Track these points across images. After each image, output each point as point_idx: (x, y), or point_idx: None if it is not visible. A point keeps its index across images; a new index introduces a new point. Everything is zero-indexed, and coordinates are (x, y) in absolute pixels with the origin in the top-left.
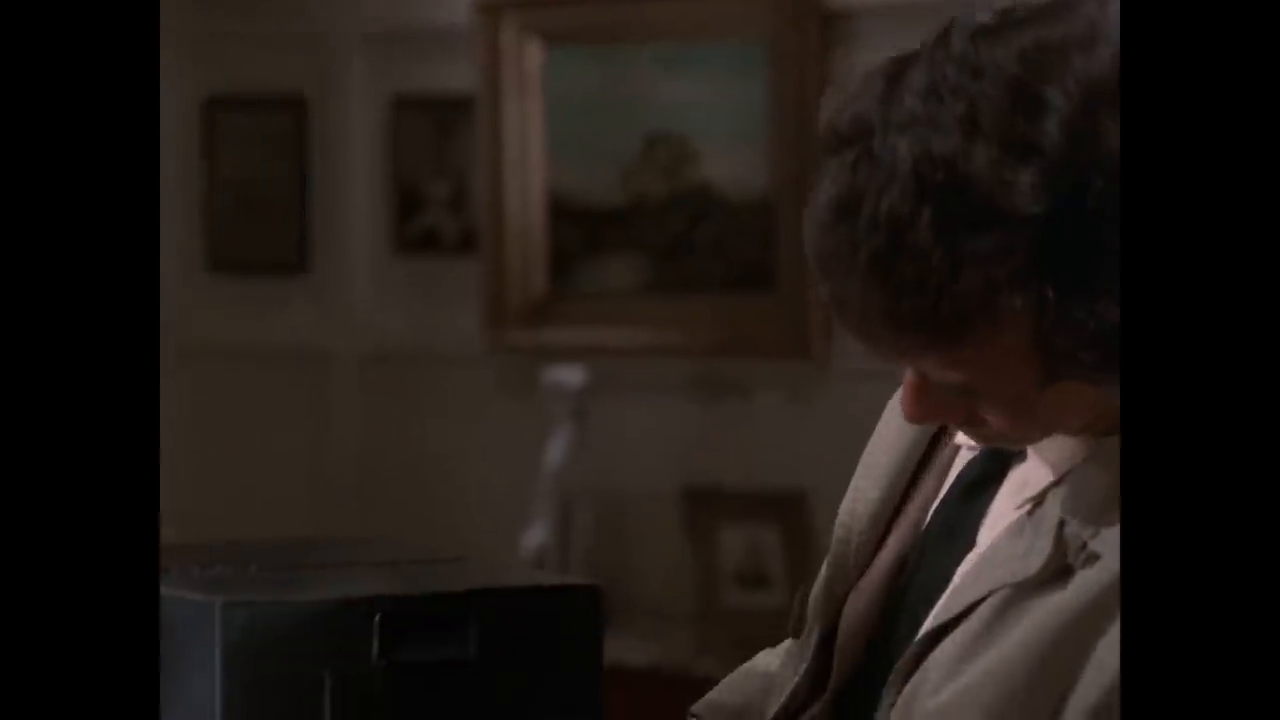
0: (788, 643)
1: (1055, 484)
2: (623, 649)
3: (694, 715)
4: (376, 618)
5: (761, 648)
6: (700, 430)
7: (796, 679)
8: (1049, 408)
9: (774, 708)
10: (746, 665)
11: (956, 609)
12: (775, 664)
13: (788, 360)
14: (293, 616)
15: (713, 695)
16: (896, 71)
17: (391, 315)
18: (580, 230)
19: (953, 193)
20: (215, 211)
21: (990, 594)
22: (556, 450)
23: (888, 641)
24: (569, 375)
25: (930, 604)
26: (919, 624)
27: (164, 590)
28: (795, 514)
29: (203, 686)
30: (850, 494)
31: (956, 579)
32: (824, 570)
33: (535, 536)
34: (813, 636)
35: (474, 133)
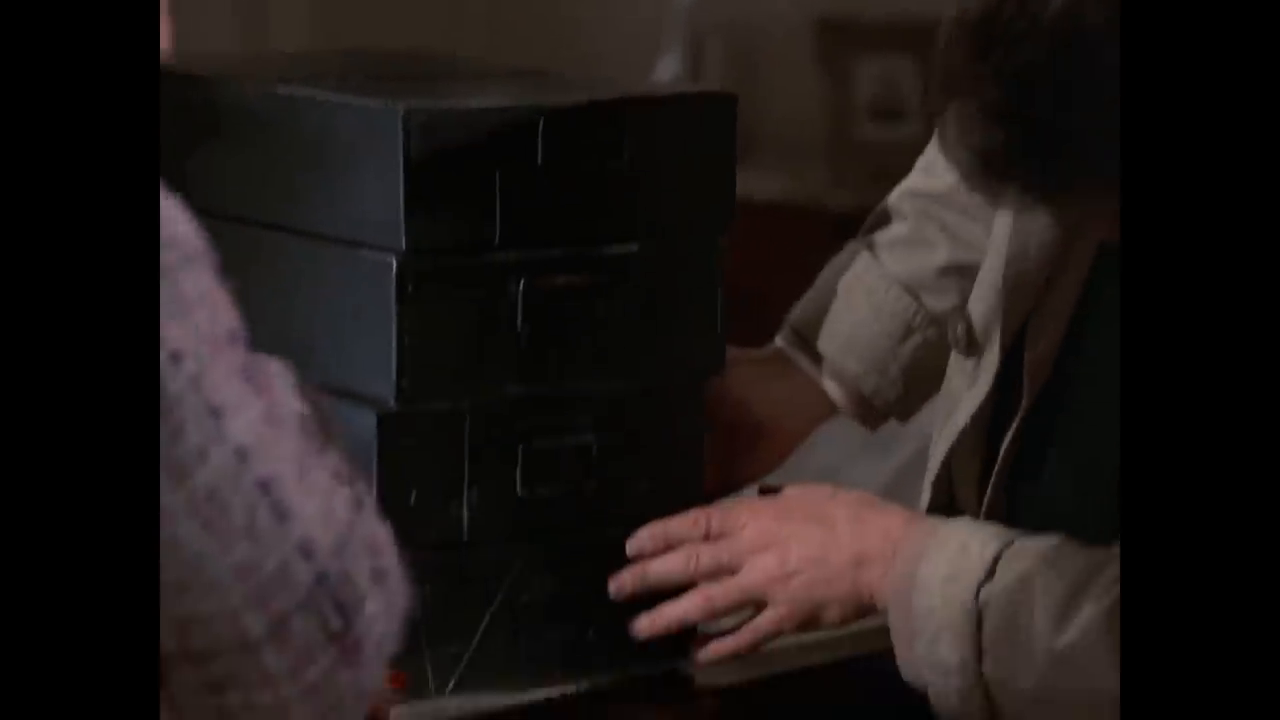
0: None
1: None
2: (754, 181)
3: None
4: (541, 122)
5: (895, 181)
6: None
7: (980, 401)
8: None
9: (949, 421)
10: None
11: None
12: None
13: None
14: (466, 120)
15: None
16: None
17: None
18: None
19: (1083, 62)
20: None
21: None
22: None
23: (1079, 384)
24: None
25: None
26: (1111, 376)
27: (332, 98)
28: (934, 45)
29: (380, 189)
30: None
31: None
32: (995, 284)
33: (666, 69)
34: (992, 356)
35: None
